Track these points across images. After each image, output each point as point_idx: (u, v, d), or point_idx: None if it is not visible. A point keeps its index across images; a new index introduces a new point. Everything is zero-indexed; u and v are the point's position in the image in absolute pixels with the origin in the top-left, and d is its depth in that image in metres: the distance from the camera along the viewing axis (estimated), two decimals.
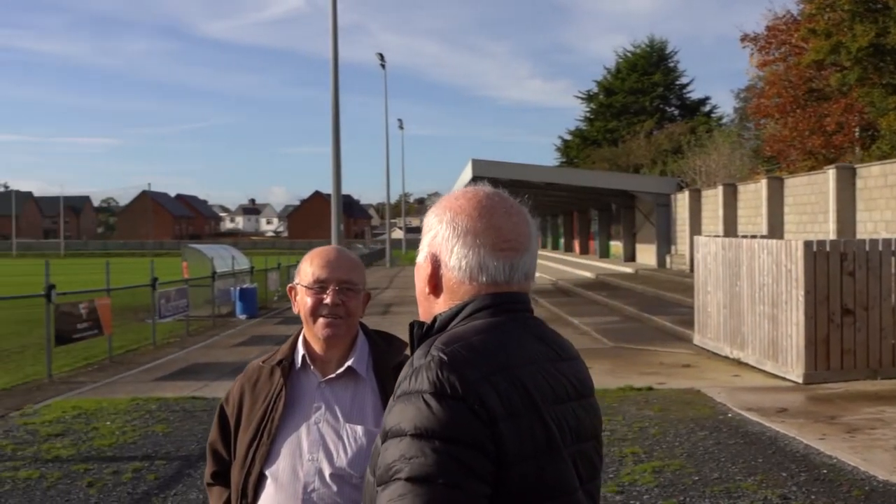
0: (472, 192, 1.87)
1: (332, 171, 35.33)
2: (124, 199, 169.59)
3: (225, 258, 28.73)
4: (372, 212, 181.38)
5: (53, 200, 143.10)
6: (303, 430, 2.49)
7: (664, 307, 22.74)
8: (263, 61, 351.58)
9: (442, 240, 1.83)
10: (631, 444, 9.07)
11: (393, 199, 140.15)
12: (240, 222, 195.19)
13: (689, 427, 9.85)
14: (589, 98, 66.21)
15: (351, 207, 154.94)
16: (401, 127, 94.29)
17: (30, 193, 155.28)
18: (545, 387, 1.71)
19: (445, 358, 1.62)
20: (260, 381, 2.61)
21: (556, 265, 47.85)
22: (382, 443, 1.63)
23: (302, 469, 2.45)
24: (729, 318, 15.12)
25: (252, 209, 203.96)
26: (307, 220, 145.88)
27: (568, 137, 68.50)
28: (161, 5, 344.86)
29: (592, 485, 1.79)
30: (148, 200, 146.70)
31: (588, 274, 38.22)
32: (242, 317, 26.18)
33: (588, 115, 66.40)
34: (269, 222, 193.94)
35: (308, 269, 2.60)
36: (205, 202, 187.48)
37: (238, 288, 27.38)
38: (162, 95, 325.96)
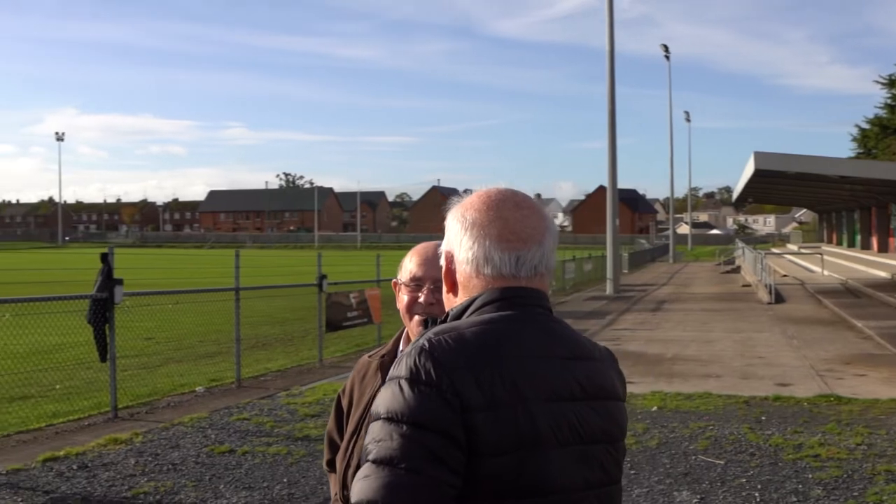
0: (484, 190, 1.90)
1: (607, 166, 35.23)
2: (416, 195, 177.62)
3: None
4: (658, 206, 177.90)
5: (351, 196, 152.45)
6: None
7: None
8: (552, 57, 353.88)
9: (453, 235, 1.87)
10: (888, 462, 8.29)
11: (680, 194, 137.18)
12: None
13: None
14: (890, 83, 61.16)
15: (636, 202, 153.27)
16: (687, 119, 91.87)
17: (330, 189, 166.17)
18: (541, 383, 1.68)
19: (427, 346, 1.64)
20: (367, 376, 2.62)
21: (848, 263, 44.84)
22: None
23: None
24: None
25: None
26: (591, 214, 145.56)
27: (866, 126, 63.87)
28: (453, 7, 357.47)
29: (602, 491, 1.75)
30: (437, 195, 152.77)
31: (883, 273, 35.47)
32: None
33: (889, 101, 61.49)
34: (554, 216, 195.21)
35: (407, 265, 2.59)
36: None
37: None
38: (452, 94, 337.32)
